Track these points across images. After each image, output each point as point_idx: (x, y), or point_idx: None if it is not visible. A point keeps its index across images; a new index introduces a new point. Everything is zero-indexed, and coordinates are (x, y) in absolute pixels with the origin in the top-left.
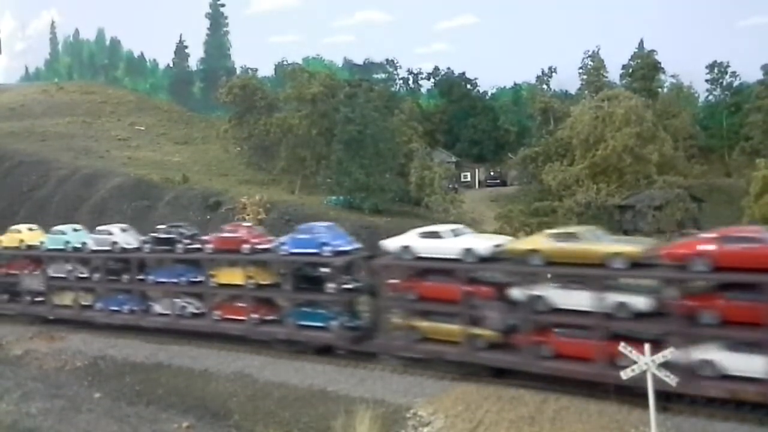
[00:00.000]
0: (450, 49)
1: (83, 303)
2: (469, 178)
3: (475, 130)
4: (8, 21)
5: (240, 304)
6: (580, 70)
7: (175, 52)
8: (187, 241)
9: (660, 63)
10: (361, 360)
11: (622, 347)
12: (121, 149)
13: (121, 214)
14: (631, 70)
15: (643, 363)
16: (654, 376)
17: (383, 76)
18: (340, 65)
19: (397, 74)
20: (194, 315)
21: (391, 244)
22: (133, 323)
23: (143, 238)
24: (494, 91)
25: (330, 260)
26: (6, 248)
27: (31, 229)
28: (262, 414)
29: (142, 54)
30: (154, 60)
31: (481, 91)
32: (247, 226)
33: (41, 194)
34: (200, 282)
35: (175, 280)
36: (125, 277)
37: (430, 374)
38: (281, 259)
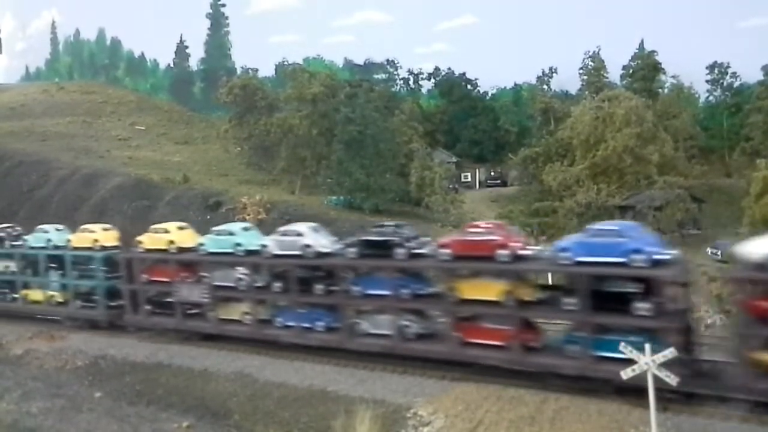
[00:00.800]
0: (450, 49)
1: (259, 318)
2: (469, 179)
3: (475, 130)
4: (9, 21)
5: (490, 326)
6: (581, 71)
7: (175, 52)
8: (411, 244)
9: (660, 63)
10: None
11: (623, 347)
12: (121, 149)
13: (121, 213)
14: (631, 71)
15: (643, 363)
16: (654, 375)
17: (384, 76)
18: (341, 65)
19: (398, 74)
20: (419, 336)
21: (751, 249)
22: (336, 345)
23: (348, 240)
24: (495, 91)
25: (647, 273)
26: (149, 251)
27: (181, 228)
28: (262, 414)
29: (142, 54)
30: (155, 60)
31: (481, 92)
32: (497, 225)
33: (41, 194)
34: (430, 295)
35: (392, 293)
36: (318, 287)
37: (429, 374)
38: (571, 271)
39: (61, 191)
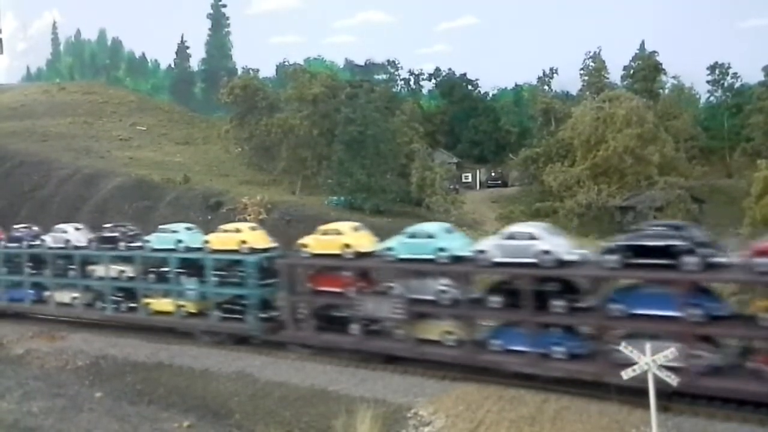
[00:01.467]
0: (451, 49)
1: (467, 339)
2: (470, 179)
3: (476, 131)
4: (10, 21)
5: None
6: (582, 71)
7: (176, 53)
8: (706, 251)
9: (661, 64)
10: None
11: (623, 347)
12: (122, 149)
13: (122, 214)
14: (632, 71)
15: (644, 363)
16: (655, 376)
17: (384, 76)
18: (342, 66)
19: (399, 75)
20: (713, 370)
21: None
22: (591, 377)
23: (608, 245)
24: (495, 92)
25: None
26: (317, 255)
27: (356, 229)
28: (263, 413)
29: (143, 54)
30: (156, 60)
31: (482, 92)
32: None
33: (43, 194)
34: (729, 318)
35: (677, 314)
36: (557, 303)
37: (430, 374)
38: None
39: (63, 191)
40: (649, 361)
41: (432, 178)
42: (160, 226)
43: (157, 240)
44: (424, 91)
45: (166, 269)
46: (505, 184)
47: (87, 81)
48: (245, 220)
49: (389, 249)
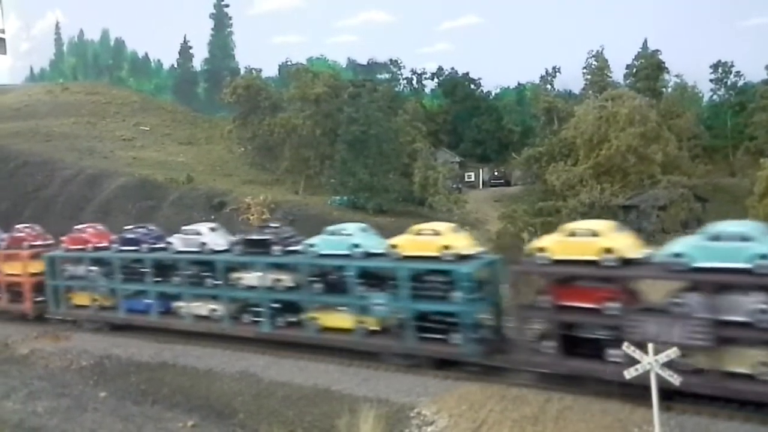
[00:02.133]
0: (453, 49)
1: None
2: (473, 178)
3: (478, 130)
4: (13, 21)
5: None
6: (584, 70)
7: (179, 53)
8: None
9: (664, 63)
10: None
11: (626, 347)
12: (125, 149)
13: (125, 214)
14: (635, 70)
15: (647, 363)
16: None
17: (387, 76)
18: (344, 65)
19: (401, 74)
20: None
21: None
22: None
23: None
24: (498, 91)
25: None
26: (560, 262)
27: (621, 233)
28: (267, 413)
29: (146, 54)
30: (159, 60)
31: (484, 91)
32: None
33: (46, 194)
34: None
35: None
36: None
37: (433, 374)
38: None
39: (66, 191)
40: (652, 360)
41: (434, 178)
42: (328, 228)
43: (325, 243)
44: (427, 90)
45: (336, 277)
46: (508, 183)
47: (90, 81)
48: (248, 220)
49: (677, 255)
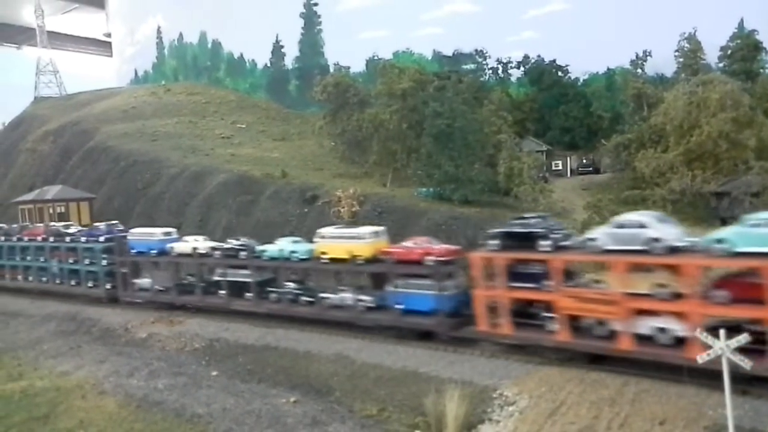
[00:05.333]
0: (540, 36)
1: None
2: (560, 167)
3: (566, 117)
4: (119, 27)
5: None
6: (676, 53)
7: (271, 52)
8: None
9: (761, 43)
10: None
11: (699, 332)
12: (224, 147)
13: (227, 208)
14: (729, 52)
15: (718, 348)
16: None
17: (472, 66)
18: (430, 57)
19: (486, 64)
20: None
21: None
22: None
23: None
24: (586, 77)
25: None
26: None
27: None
28: (360, 392)
29: (241, 55)
30: (253, 60)
31: (572, 78)
32: None
33: (154, 191)
34: None
35: None
36: None
37: (516, 358)
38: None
39: (172, 188)
40: (723, 345)
41: (519, 168)
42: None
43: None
44: (513, 79)
45: None
46: (597, 171)
47: (190, 82)
48: (339, 213)
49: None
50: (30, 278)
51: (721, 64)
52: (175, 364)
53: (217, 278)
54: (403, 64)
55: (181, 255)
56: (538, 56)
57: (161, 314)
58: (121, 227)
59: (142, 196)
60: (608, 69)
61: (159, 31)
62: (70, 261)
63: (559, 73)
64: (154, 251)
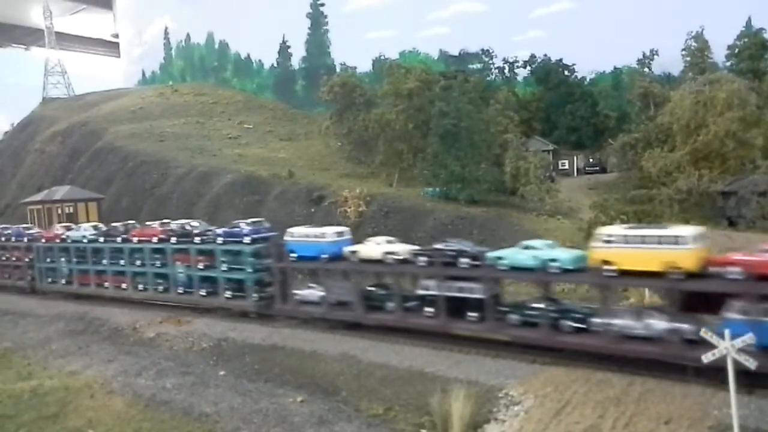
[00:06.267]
0: (546, 35)
1: None
2: (567, 166)
3: (573, 116)
4: (127, 28)
5: None
6: (683, 52)
7: (278, 52)
8: None
9: None
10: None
11: (703, 332)
12: (231, 147)
13: (234, 208)
14: (737, 51)
15: (723, 348)
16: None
17: (479, 66)
18: (436, 57)
19: (493, 63)
20: None
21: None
22: None
23: None
24: (593, 76)
25: None
26: None
27: None
28: (367, 391)
29: (248, 55)
30: (260, 61)
31: (579, 77)
32: None
33: (162, 191)
34: None
35: None
36: None
37: (521, 358)
38: None
39: (180, 188)
40: (728, 345)
41: (526, 168)
42: None
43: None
44: (519, 78)
45: None
46: (603, 170)
47: (198, 83)
48: (346, 213)
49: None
50: (142, 286)
51: (728, 63)
52: (183, 364)
53: (422, 292)
54: (410, 64)
55: (367, 261)
56: (545, 55)
57: (169, 314)
58: (268, 225)
59: (149, 196)
60: (615, 68)
61: (166, 32)
62: (200, 266)
63: (566, 73)
64: (325, 256)
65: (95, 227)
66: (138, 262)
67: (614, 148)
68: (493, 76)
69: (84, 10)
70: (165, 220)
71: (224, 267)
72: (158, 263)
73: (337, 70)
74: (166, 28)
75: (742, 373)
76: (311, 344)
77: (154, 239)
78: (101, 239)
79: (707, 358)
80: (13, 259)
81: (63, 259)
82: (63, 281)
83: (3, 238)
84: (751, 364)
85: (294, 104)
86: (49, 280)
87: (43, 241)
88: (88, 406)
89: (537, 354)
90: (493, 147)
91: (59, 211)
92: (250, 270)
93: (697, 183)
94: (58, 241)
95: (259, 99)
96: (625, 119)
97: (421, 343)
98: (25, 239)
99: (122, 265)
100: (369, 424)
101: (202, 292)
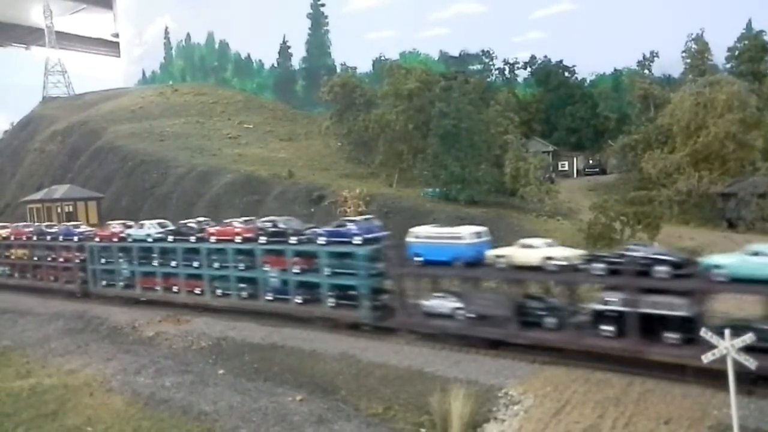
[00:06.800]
0: (547, 37)
1: None
2: (567, 167)
3: (573, 118)
4: (127, 28)
5: None
6: (684, 54)
7: (279, 53)
8: None
9: None
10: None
11: (703, 332)
12: (231, 147)
13: (234, 208)
14: (737, 53)
15: (723, 347)
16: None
17: (479, 67)
18: (436, 58)
19: (493, 65)
20: None
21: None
22: None
23: None
24: (593, 77)
25: None
26: None
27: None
28: (366, 390)
29: (248, 55)
30: (260, 61)
31: (579, 79)
32: None
33: (162, 191)
34: None
35: None
36: None
37: (521, 358)
38: None
39: (180, 188)
40: (728, 345)
41: (526, 169)
42: None
43: None
44: (519, 79)
45: None
46: (603, 172)
47: (198, 83)
48: (345, 213)
49: None
50: (221, 292)
51: (728, 65)
52: (182, 363)
53: (601, 307)
54: (410, 64)
55: (520, 268)
56: (545, 57)
57: (168, 313)
58: (380, 224)
59: (149, 195)
60: (615, 70)
61: (167, 32)
62: (296, 270)
63: (566, 74)
64: (459, 261)
65: (161, 224)
66: (216, 265)
67: (614, 149)
68: (494, 77)
69: (84, 9)
70: (250, 218)
71: (327, 271)
72: (242, 266)
73: (338, 70)
74: (167, 28)
75: None
76: (310, 343)
77: (238, 239)
78: (170, 238)
79: (707, 358)
80: (61, 260)
81: (122, 260)
82: (122, 284)
83: (48, 237)
84: (751, 364)
85: (294, 104)
86: (104, 283)
87: (98, 240)
88: (87, 404)
89: (537, 354)
90: (493, 148)
91: (59, 210)
92: (363, 275)
93: (696, 184)
94: (115, 240)
95: (259, 99)
96: (625, 121)
97: (420, 344)
98: (75, 238)
99: (197, 268)
100: (368, 424)
101: (298, 300)
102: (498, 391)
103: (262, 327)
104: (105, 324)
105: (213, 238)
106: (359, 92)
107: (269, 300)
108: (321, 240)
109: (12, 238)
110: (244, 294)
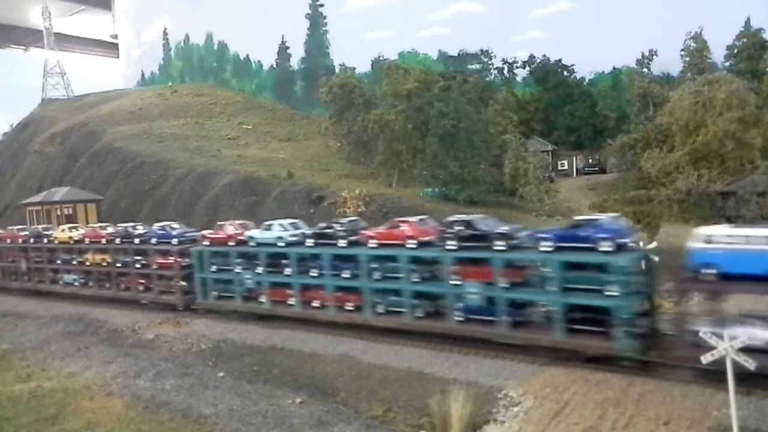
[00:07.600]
0: (546, 36)
1: None
2: (566, 167)
3: (572, 117)
4: (126, 29)
5: None
6: (682, 52)
7: (277, 53)
8: None
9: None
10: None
11: (703, 333)
12: (230, 148)
13: (233, 209)
14: (736, 51)
15: (722, 348)
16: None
17: (478, 66)
18: (435, 58)
19: (492, 64)
20: None
21: None
22: None
23: None
24: (592, 76)
25: None
26: None
27: None
28: (366, 392)
29: (247, 56)
30: (259, 61)
31: (578, 77)
32: None
33: (161, 192)
34: None
35: None
36: None
37: (520, 359)
38: None
39: (179, 189)
40: (727, 346)
41: (525, 168)
42: None
43: None
44: (518, 78)
45: None
46: (603, 171)
47: (196, 83)
48: (345, 213)
49: None
50: (383, 309)
51: (727, 63)
52: (182, 365)
53: None
54: (409, 64)
55: None
56: (544, 56)
57: (167, 315)
58: (626, 223)
59: (149, 197)
60: (614, 68)
61: (165, 33)
62: (504, 284)
63: (565, 73)
64: None
65: (294, 225)
66: (378, 275)
67: (613, 148)
68: (492, 77)
69: (83, 11)
70: (422, 217)
71: (554, 287)
72: (418, 277)
73: (337, 70)
74: (165, 29)
75: None
76: (310, 345)
77: (411, 242)
78: (310, 242)
79: (706, 358)
80: (155, 266)
81: (241, 268)
82: (241, 297)
83: (137, 241)
84: (750, 365)
85: (293, 105)
86: (216, 294)
87: (207, 243)
88: (87, 407)
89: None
90: (492, 147)
91: (58, 213)
92: (617, 293)
93: (696, 183)
94: (232, 243)
95: (258, 100)
96: (624, 119)
97: (420, 345)
98: (175, 241)
99: (350, 279)
100: (368, 426)
101: (507, 320)
102: (498, 392)
103: (261, 329)
104: (105, 327)
105: (373, 242)
106: (358, 92)
107: (460, 321)
108: (545, 245)
109: (87, 240)
110: (419, 312)
